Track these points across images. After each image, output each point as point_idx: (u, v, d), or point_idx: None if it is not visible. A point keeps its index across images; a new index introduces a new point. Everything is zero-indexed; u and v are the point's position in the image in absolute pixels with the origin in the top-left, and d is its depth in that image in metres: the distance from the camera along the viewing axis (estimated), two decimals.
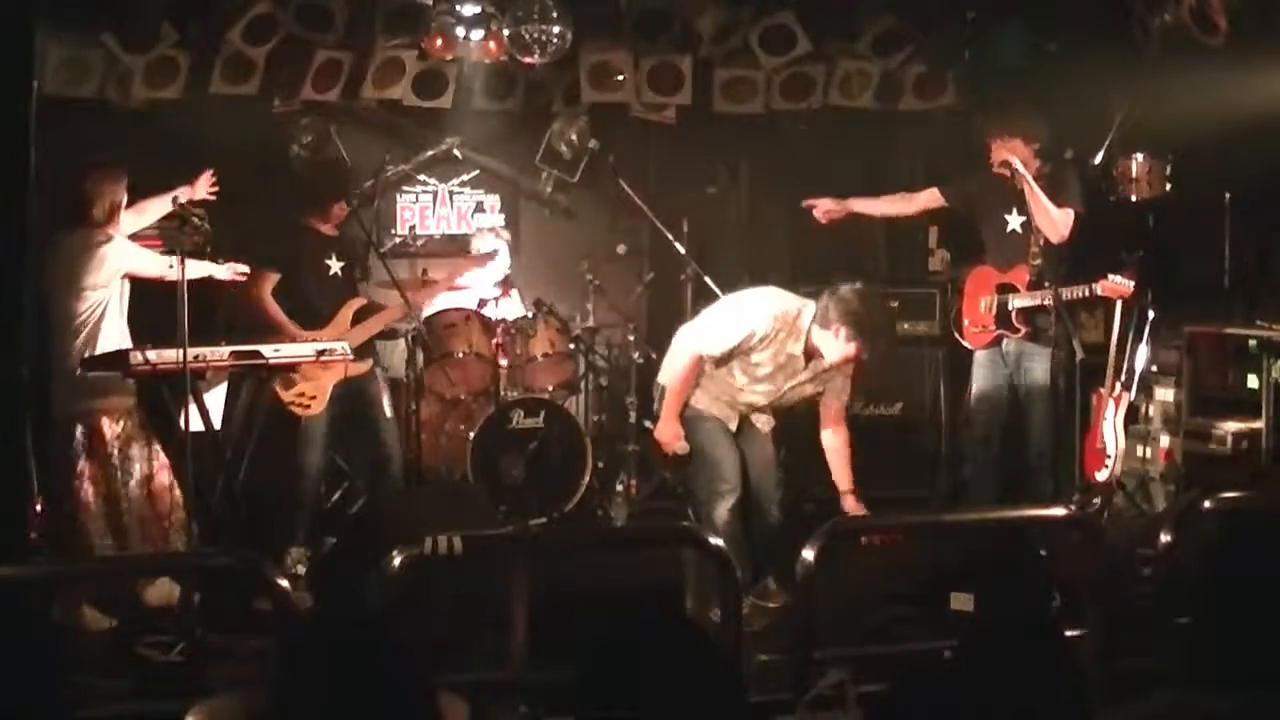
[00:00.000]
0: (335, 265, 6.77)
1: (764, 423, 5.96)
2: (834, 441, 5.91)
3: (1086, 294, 6.49)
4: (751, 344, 5.68)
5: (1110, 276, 6.44)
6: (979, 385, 6.77)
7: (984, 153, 6.55)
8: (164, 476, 5.88)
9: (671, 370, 5.84)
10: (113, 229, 5.86)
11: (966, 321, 6.83)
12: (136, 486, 5.83)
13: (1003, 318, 6.61)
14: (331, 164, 7.54)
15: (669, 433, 5.80)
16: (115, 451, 5.78)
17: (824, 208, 6.78)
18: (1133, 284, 6.46)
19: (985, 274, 6.74)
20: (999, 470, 6.76)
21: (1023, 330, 6.55)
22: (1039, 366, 6.53)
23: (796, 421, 6.13)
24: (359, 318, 6.76)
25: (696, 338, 5.82)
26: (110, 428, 5.78)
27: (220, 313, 6.75)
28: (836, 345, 5.57)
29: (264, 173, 7.64)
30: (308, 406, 6.58)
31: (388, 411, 6.84)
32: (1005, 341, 6.65)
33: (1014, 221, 6.59)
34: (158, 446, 5.90)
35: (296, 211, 6.84)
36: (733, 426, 5.87)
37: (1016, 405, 6.65)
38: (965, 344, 6.89)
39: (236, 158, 7.42)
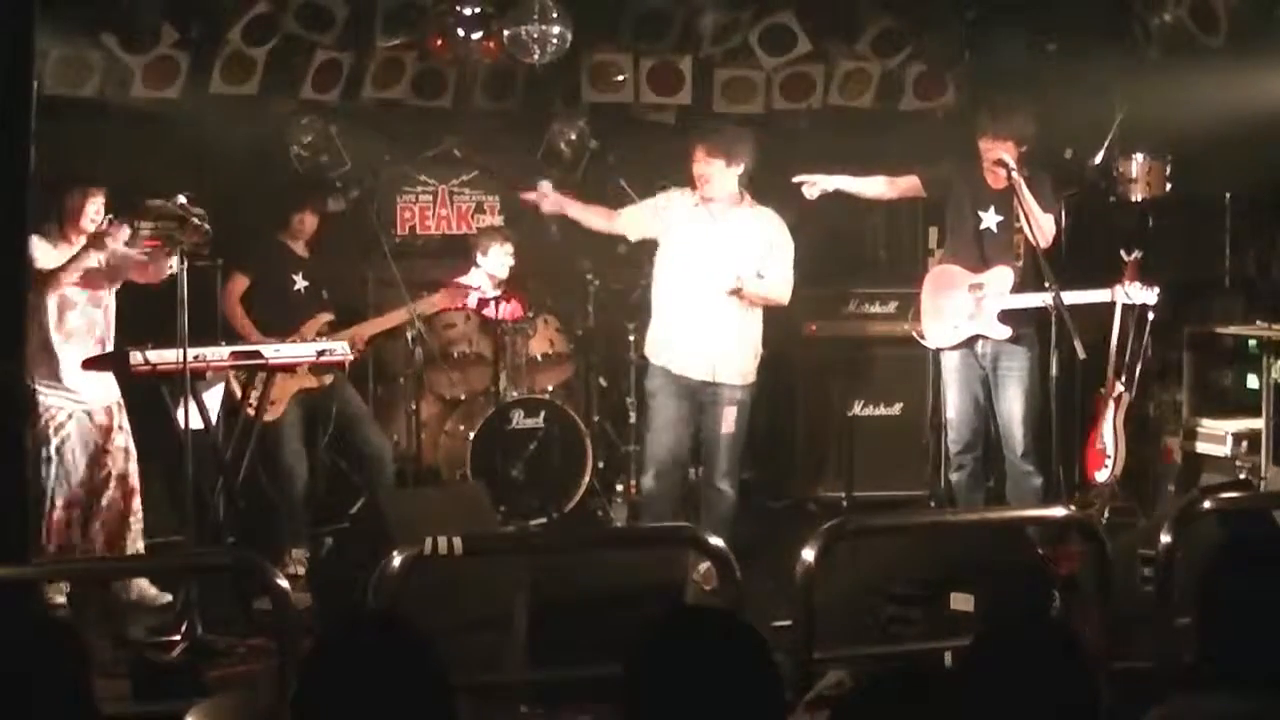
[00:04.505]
0: (300, 283, 6.90)
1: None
2: None
3: (1109, 299, 6.39)
4: None
5: (1135, 284, 6.35)
6: (954, 390, 6.57)
7: (975, 150, 6.48)
8: None
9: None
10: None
11: (926, 321, 6.64)
12: None
13: (981, 318, 6.42)
14: (294, 173, 7.56)
15: None
16: None
17: (814, 184, 6.58)
18: (1155, 293, 6.37)
19: (950, 273, 6.56)
20: (986, 474, 6.73)
21: (1008, 332, 6.37)
22: (1018, 366, 6.39)
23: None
24: (325, 332, 6.84)
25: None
26: None
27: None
28: None
29: (263, 173, 7.63)
30: (266, 411, 6.59)
31: (365, 405, 7.01)
32: (980, 343, 6.47)
33: (988, 220, 6.43)
34: None
35: (271, 224, 6.95)
36: None
37: (995, 407, 6.50)
38: (925, 344, 6.70)
39: (236, 158, 7.43)
